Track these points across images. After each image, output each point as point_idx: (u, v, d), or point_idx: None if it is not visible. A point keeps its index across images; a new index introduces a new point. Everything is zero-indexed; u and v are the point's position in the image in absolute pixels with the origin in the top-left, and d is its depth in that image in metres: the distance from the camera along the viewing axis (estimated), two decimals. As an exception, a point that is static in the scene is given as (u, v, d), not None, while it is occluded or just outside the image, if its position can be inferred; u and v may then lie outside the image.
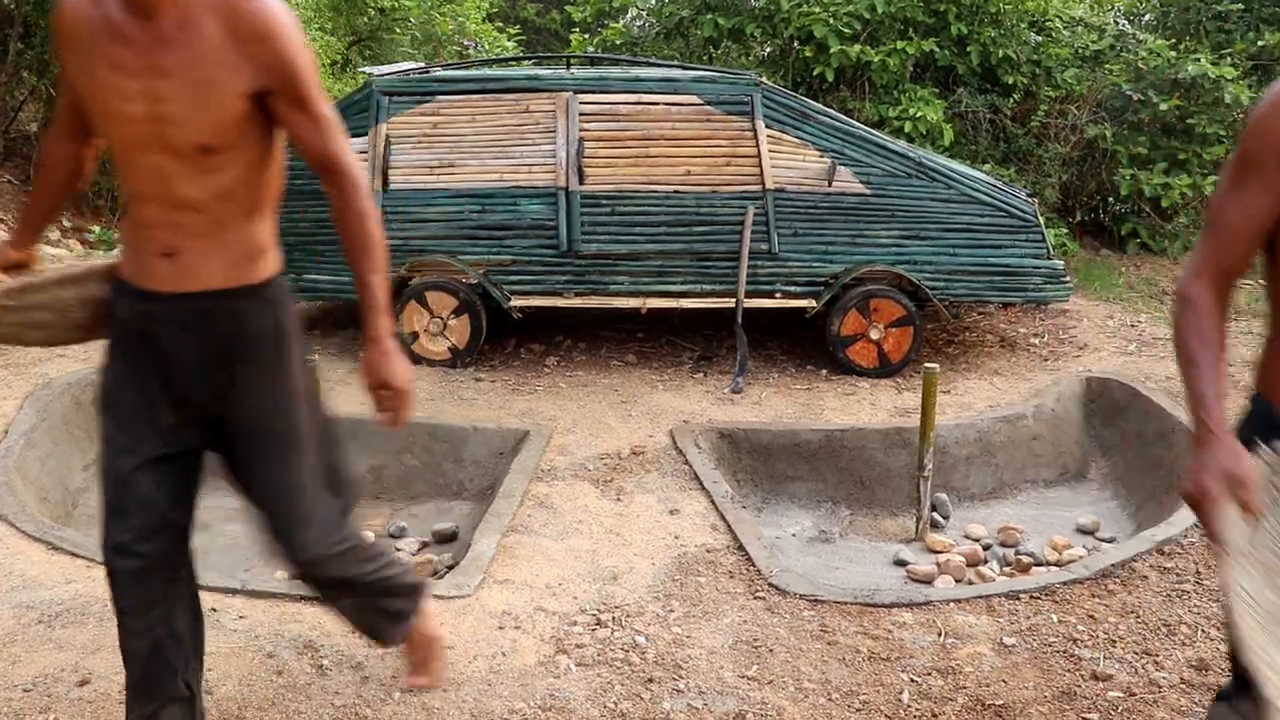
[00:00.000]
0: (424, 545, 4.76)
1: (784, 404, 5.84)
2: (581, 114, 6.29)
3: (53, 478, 4.92)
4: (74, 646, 3.33)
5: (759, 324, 6.77)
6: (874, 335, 6.31)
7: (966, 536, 4.95)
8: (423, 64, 7.32)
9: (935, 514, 5.11)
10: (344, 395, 5.83)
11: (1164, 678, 3.26)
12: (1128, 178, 9.18)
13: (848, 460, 5.35)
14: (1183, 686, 3.21)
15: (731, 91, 6.28)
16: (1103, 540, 4.92)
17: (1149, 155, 9.38)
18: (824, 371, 6.39)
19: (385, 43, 15.36)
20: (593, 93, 6.32)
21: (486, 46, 14.15)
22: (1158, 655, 3.38)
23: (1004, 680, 3.26)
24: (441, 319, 6.36)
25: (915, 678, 3.27)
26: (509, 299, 6.33)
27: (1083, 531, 5.05)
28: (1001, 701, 3.14)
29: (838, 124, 6.35)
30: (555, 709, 3.09)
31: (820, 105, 6.56)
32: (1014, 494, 5.47)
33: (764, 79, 6.48)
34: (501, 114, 6.34)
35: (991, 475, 5.48)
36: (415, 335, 6.38)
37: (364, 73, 6.96)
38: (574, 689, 3.19)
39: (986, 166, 8.91)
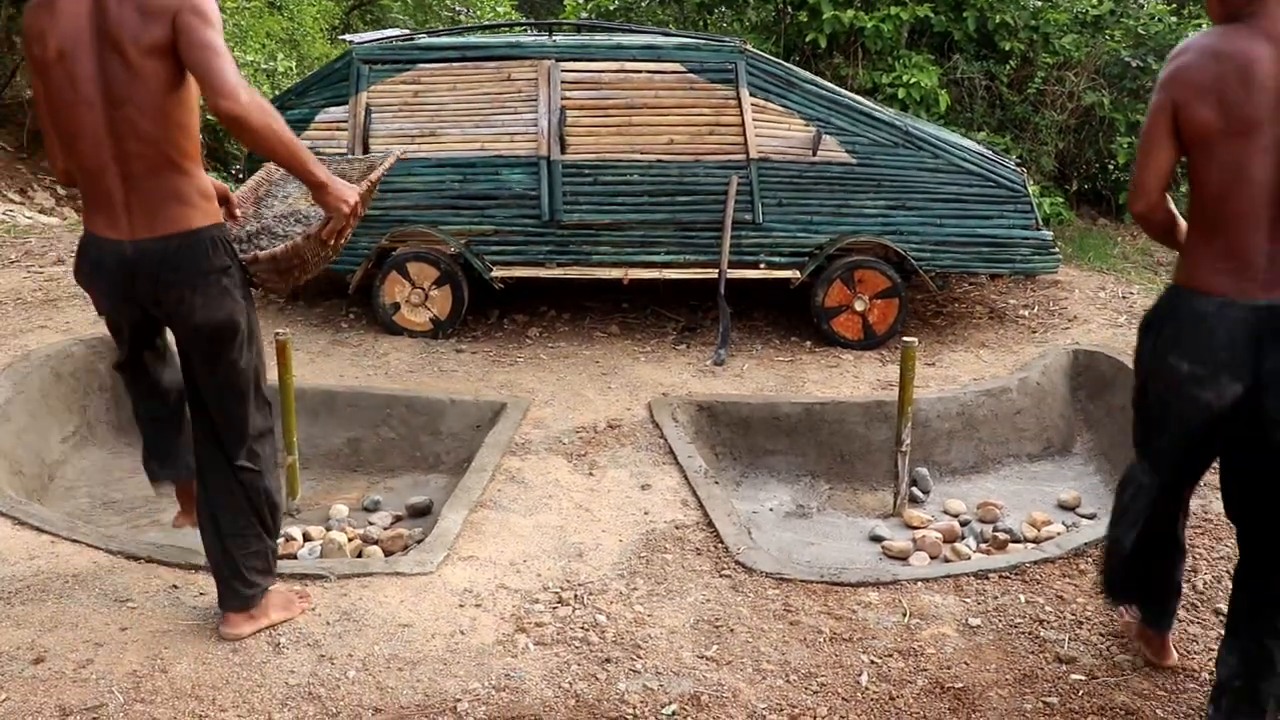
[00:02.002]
0: (397, 519, 4.73)
1: (766, 376, 5.79)
2: (564, 82, 6.21)
3: (29, 451, 4.89)
4: (31, 624, 3.31)
5: (744, 295, 6.71)
6: (859, 307, 6.25)
7: (945, 512, 4.91)
8: (405, 31, 7.23)
9: (915, 489, 5.07)
10: (324, 367, 5.81)
11: (1128, 661, 3.22)
12: (1126, 145, 9.07)
13: (828, 434, 5.30)
14: (1146, 669, 3.17)
15: (715, 59, 6.19)
16: (1084, 516, 4.88)
17: (1147, 123, 9.26)
18: (808, 343, 6.34)
19: (383, 7, 15.25)
20: (575, 60, 6.24)
21: (479, 12, 14.01)
22: (1123, 637, 3.33)
23: (965, 662, 3.23)
24: (423, 290, 6.31)
25: (876, 659, 3.24)
26: (490, 270, 6.28)
27: (1064, 507, 5.00)
28: (961, 684, 3.11)
29: (824, 92, 6.26)
30: (509, 689, 3.06)
31: (806, 73, 6.47)
32: (996, 469, 5.42)
33: (750, 45, 6.38)
34: (483, 82, 6.26)
35: (974, 449, 5.43)
36: (396, 306, 6.33)
37: (345, 41, 6.88)
38: (530, 669, 3.17)
39: (982, 134, 8.80)
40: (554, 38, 6.58)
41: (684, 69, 6.20)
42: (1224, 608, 3.47)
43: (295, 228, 3.42)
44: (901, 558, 4.43)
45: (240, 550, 3.24)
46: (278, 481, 3.42)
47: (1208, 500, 4.18)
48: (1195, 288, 2.70)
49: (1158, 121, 2.67)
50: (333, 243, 3.16)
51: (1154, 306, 2.87)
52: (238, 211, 3.36)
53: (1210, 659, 3.20)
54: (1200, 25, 9.14)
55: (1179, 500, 3.00)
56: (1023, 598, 3.60)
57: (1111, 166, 9.57)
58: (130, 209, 2.89)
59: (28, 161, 11.00)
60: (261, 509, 3.25)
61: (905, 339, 4.75)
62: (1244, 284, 2.61)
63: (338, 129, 6.30)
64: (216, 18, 2.78)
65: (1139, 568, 3.01)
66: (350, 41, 6.56)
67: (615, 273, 6.29)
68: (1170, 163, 2.70)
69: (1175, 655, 3.19)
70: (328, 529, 4.55)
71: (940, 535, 4.58)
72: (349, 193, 3.00)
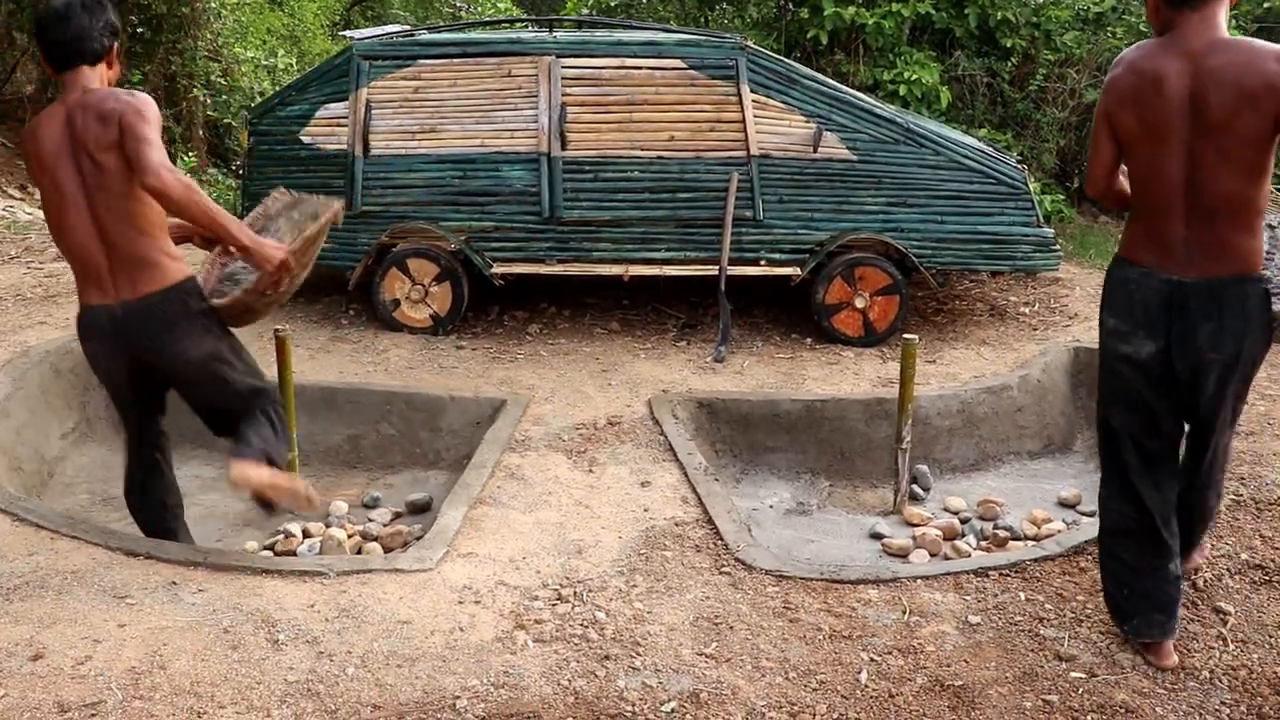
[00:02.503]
0: (397, 516, 4.73)
1: (766, 373, 5.78)
2: (564, 78, 6.20)
3: (28, 447, 4.89)
4: (30, 620, 3.30)
5: (744, 292, 6.71)
6: (859, 304, 6.24)
7: (945, 509, 4.91)
8: (405, 27, 7.22)
9: (916, 486, 5.06)
10: (324, 363, 5.80)
11: (1127, 659, 3.21)
12: (1127, 143, 9.04)
13: (828, 431, 5.30)
14: (1145, 667, 3.17)
15: (716, 55, 6.18)
16: (1084, 514, 4.87)
17: (1149, 120, 9.24)
18: (808, 340, 6.33)
19: (384, 3, 15.24)
20: (576, 57, 6.23)
21: (480, 8, 14.00)
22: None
23: (965, 660, 3.22)
24: (423, 286, 6.31)
25: (875, 657, 3.24)
26: (491, 266, 6.27)
27: (1064, 505, 5.00)
28: (961, 682, 3.10)
29: (824, 89, 6.25)
30: (508, 686, 3.06)
31: (807, 69, 6.46)
32: (997, 466, 5.41)
33: (751, 42, 6.37)
34: (483, 78, 6.25)
35: (974, 447, 5.42)
36: (396, 302, 6.33)
37: (345, 37, 6.87)
38: (529, 666, 3.16)
39: (983, 131, 8.79)
40: (555, 34, 6.58)
41: (685, 65, 6.19)
42: (1224, 605, 3.47)
43: (251, 276, 3.81)
44: (901, 555, 4.43)
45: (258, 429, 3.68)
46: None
47: (1208, 498, 4.18)
48: (1126, 258, 3.17)
49: (1100, 124, 3.14)
50: (272, 293, 3.68)
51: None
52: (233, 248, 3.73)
53: (1210, 657, 3.20)
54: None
55: (1151, 481, 3.22)
56: (1023, 595, 3.59)
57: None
58: (115, 276, 3.51)
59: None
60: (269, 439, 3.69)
61: (906, 336, 4.75)
62: (1164, 261, 3.06)
63: (338, 125, 6.29)
64: (153, 115, 3.40)
65: (1126, 575, 3.27)
66: (351, 37, 6.55)
67: (616, 269, 6.29)
68: (1112, 158, 3.14)
69: (1175, 657, 3.19)
70: (327, 525, 4.55)
71: (940, 533, 4.58)
72: (274, 253, 3.55)
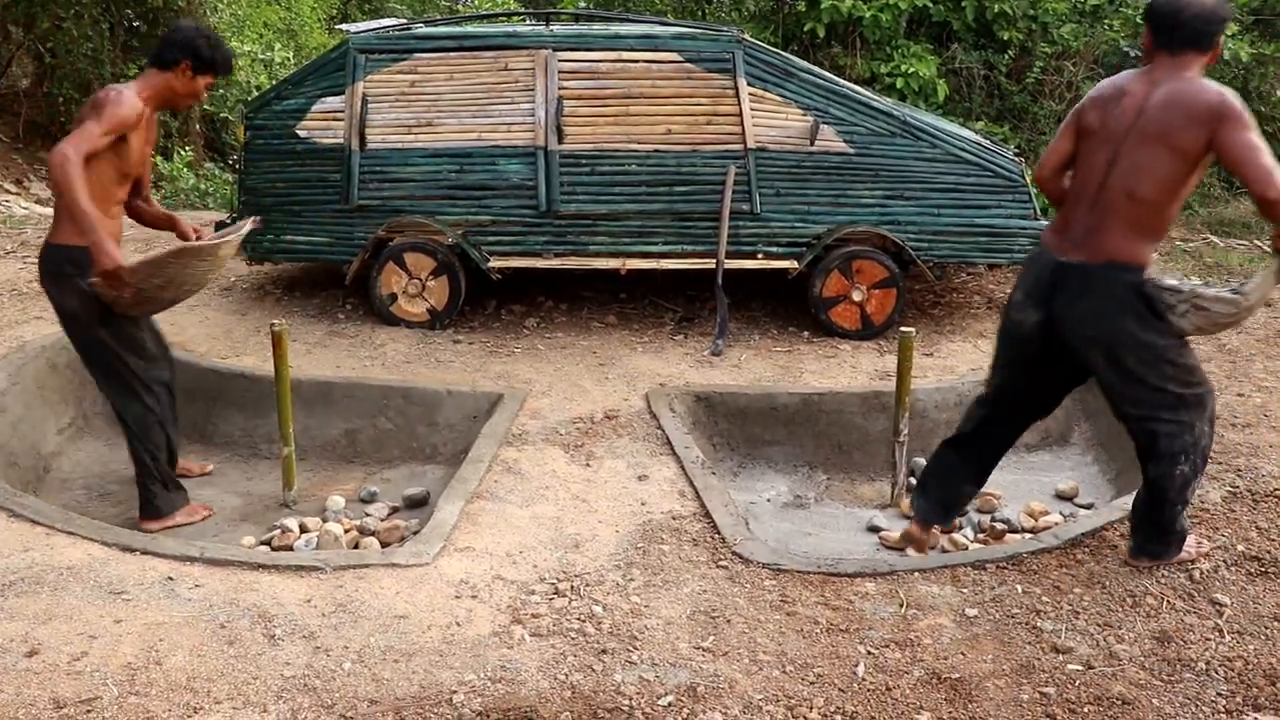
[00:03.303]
0: (394, 510, 4.72)
1: (763, 366, 5.78)
2: (561, 72, 6.18)
3: (24, 443, 4.89)
4: (25, 616, 3.30)
5: (742, 285, 6.70)
6: (857, 297, 6.24)
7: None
8: (401, 21, 7.20)
9: (913, 479, 5.05)
10: (320, 358, 5.80)
11: (1124, 650, 3.21)
12: (1124, 135, 9.03)
13: (825, 424, 5.29)
14: (1142, 659, 3.17)
15: (713, 49, 6.17)
16: (1081, 506, 4.87)
17: (1146, 112, 9.22)
18: (806, 334, 6.32)
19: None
20: (572, 50, 6.21)
21: (476, 1, 13.97)
22: (1120, 628, 3.33)
23: (962, 653, 3.22)
24: (420, 280, 6.30)
25: (873, 650, 3.24)
26: (487, 260, 6.26)
27: (1061, 497, 4.99)
28: (958, 675, 3.11)
29: (821, 82, 6.24)
30: (505, 680, 3.06)
31: (804, 62, 6.44)
32: (994, 458, 5.40)
33: (748, 35, 6.36)
34: (480, 72, 6.23)
35: (972, 439, 5.41)
36: (393, 297, 6.32)
37: (341, 30, 6.85)
38: (526, 660, 3.16)
39: (980, 124, 8.78)
40: (551, 27, 6.55)
41: (682, 58, 6.17)
42: (1220, 597, 3.47)
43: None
44: (899, 548, 4.42)
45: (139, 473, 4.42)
46: (154, 440, 4.40)
47: (1205, 490, 4.18)
48: (1043, 240, 3.67)
49: (1068, 120, 3.64)
50: (121, 295, 4.08)
51: None
52: (191, 233, 4.45)
53: (1207, 649, 3.20)
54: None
55: (1006, 427, 3.91)
56: (1019, 588, 3.59)
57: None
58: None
59: (24, 152, 10.99)
60: (139, 453, 4.38)
61: (903, 329, 4.74)
62: (1061, 243, 3.55)
63: (334, 119, 6.28)
64: (102, 104, 3.97)
65: (936, 468, 4.01)
66: (347, 31, 6.53)
67: (613, 263, 6.28)
68: (1066, 151, 3.62)
69: (936, 540, 4.23)
70: (324, 520, 4.55)
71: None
72: (105, 261, 3.91)
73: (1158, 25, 3.42)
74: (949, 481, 3.99)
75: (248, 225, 4.63)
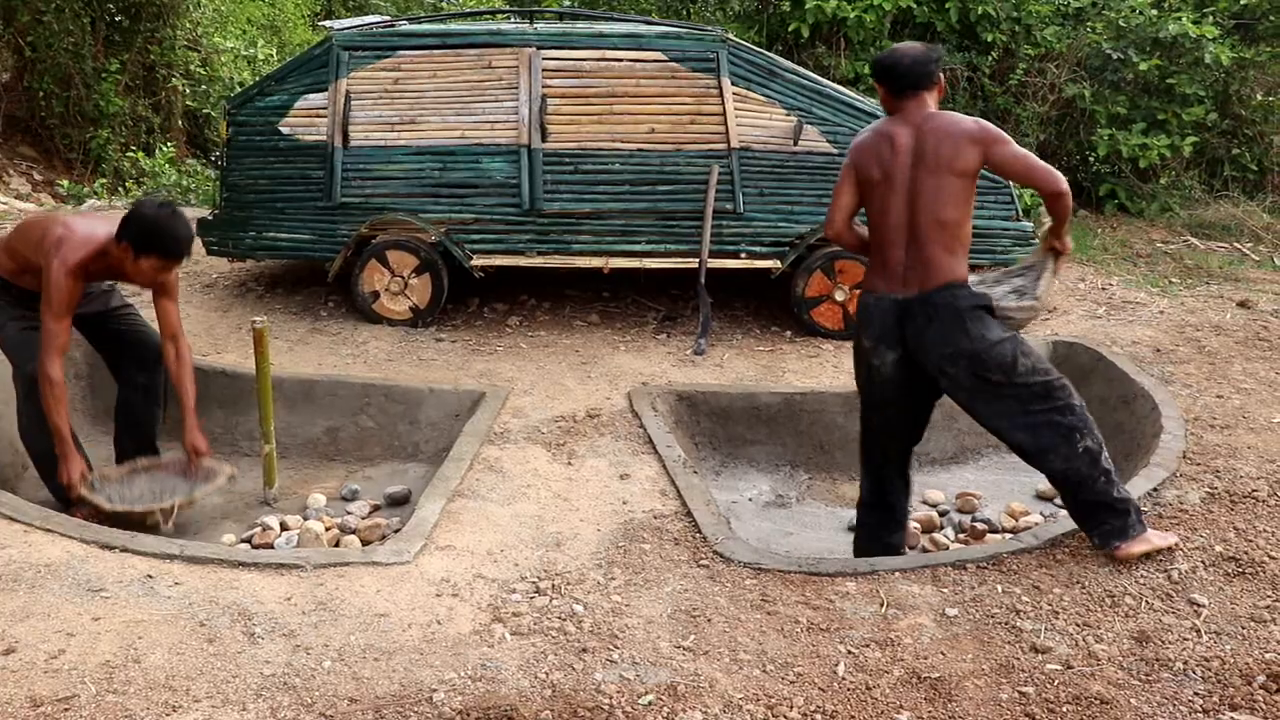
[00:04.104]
0: (375, 508, 4.71)
1: (746, 366, 5.78)
2: (545, 70, 6.18)
3: (2, 438, 4.86)
4: (2, 614, 3.27)
5: (725, 285, 6.71)
6: (839, 297, 6.25)
7: (924, 502, 4.92)
8: (385, 18, 7.18)
9: (895, 479, 5.07)
10: (302, 355, 5.78)
11: (1103, 650, 3.23)
12: (1106, 138, 9.09)
13: (807, 424, 5.31)
14: (1120, 659, 3.18)
15: (697, 48, 6.18)
16: (1061, 507, 4.88)
17: (1128, 115, 9.28)
18: (788, 333, 6.33)
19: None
20: (556, 48, 6.21)
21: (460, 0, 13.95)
22: (1098, 627, 3.34)
23: (942, 653, 3.23)
24: (402, 278, 6.28)
25: (853, 649, 3.24)
26: (470, 258, 6.25)
27: (1042, 498, 5.02)
28: (938, 674, 3.11)
29: (805, 82, 6.25)
30: (485, 679, 3.05)
31: (788, 63, 6.45)
32: (976, 459, 5.44)
33: (733, 35, 6.37)
34: (464, 70, 6.23)
35: (953, 440, 5.44)
36: (376, 295, 6.30)
37: (325, 27, 6.83)
38: (506, 659, 3.15)
39: (963, 125, 8.79)
40: (535, 25, 6.55)
41: (666, 58, 6.18)
42: (1198, 597, 3.49)
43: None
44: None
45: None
46: (36, 432, 4.47)
47: (1184, 491, 4.21)
48: (868, 288, 3.91)
49: (844, 175, 3.91)
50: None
51: None
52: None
53: (1184, 648, 3.22)
54: (1180, 18, 9.16)
55: (902, 464, 4.12)
56: (1000, 588, 3.60)
57: (1092, 158, 9.59)
58: None
59: (3, 147, 10.90)
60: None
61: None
62: (891, 284, 3.80)
63: (317, 115, 6.26)
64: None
65: (864, 542, 4.15)
66: (330, 28, 6.51)
67: (596, 262, 6.28)
68: (850, 204, 3.92)
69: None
70: (305, 518, 4.53)
71: (919, 525, 4.59)
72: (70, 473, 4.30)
73: (888, 79, 3.82)
74: (879, 543, 4.11)
75: (222, 478, 4.52)
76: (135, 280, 4.37)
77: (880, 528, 4.12)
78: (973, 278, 3.94)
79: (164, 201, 4.24)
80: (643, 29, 6.44)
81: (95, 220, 4.40)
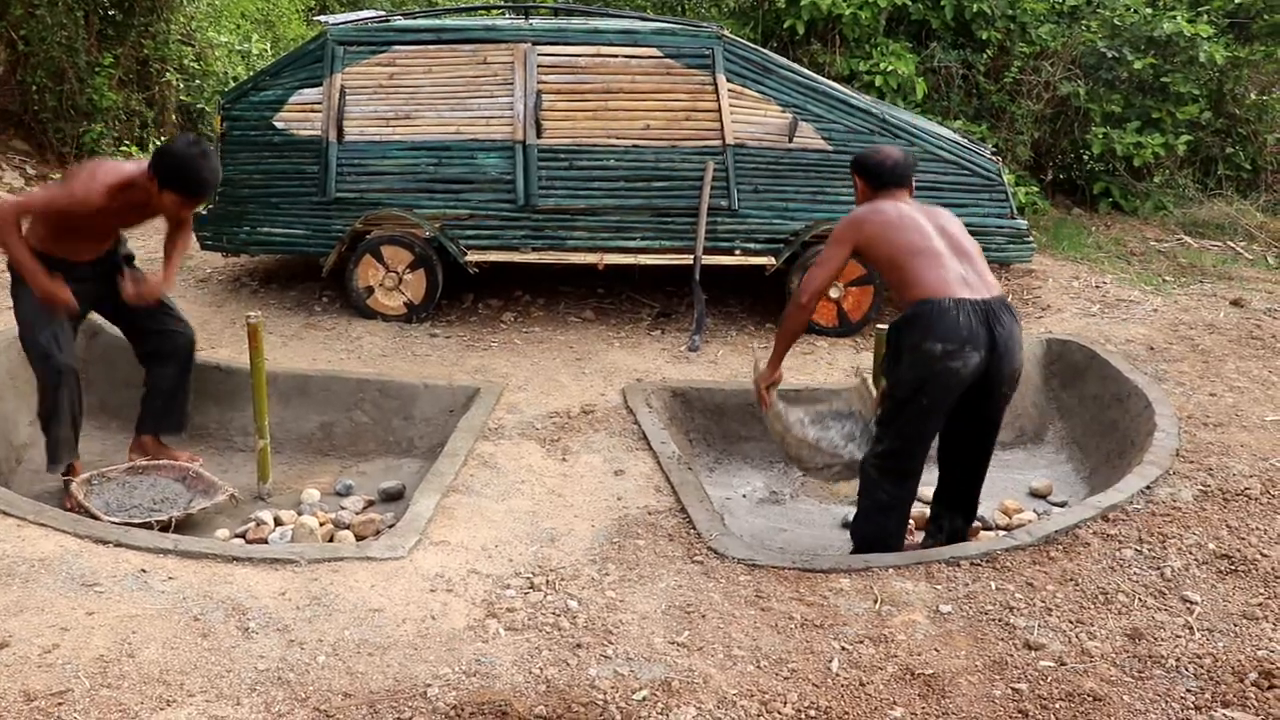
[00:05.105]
0: (370, 504, 4.71)
1: (741, 362, 5.79)
2: (540, 66, 6.17)
3: (-5, 434, 4.85)
4: (-5, 608, 3.27)
5: (720, 281, 6.71)
6: (834, 294, 6.26)
7: (918, 499, 4.91)
8: (380, 13, 7.17)
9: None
10: (297, 351, 5.77)
11: (1096, 647, 3.24)
12: (1100, 136, 9.10)
13: (802, 421, 5.30)
14: (1113, 656, 3.19)
15: (692, 44, 6.17)
16: (1054, 504, 4.90)
17: (1123, 113, 9.29)
18: (783, 330, 6.33)
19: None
20: (551, 44, 6.20)
21: (457, -6, 13.91)
22: (1092, 624, 3.36)
23: (936, 649, 3.24)
24: (397, 273, 6.28)
25: (847, 645, 3.25)
26: (465, 253, 6.25)
27: (1036, 495, 5.03)
28: (931, 671, 3.12)
29: (800, 79, 6.25)
30: (480, 674, 3.05)
31: (783, 59, 6.46)
32: (969, 456, 5.43)
33: (728, 31, 6.36)
34: (459, 65, 6.22)
35: (947, 437, 5.43)
36: (370, 290, 6.30)
37: (320, 22, 6.81)
38: (501, 654, 3.16)
39: (958, 123, 8.81)
40: (530, 21, 6.54)
41: (661, 54, 6.17)
42: (1191, 594, 3.50)
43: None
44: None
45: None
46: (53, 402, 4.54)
47: (1177, 488, 4.22)
48: (933, 294, 3.77)
49: (843, 247, 3.98)
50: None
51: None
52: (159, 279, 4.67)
53: (1177, 645, 3.23)
54: (1175, 17, 9.18)
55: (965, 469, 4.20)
56: (993, 584, 3.61)
57: (1086, 156, 9.61)
58: None
59: (-3, 140, 10.86)
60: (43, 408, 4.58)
61: (879, 326, 4.75)
62: (961, 288, 3.79)
63: (312, 110, 6.25)
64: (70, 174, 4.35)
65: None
66: (325, 23, 6.50)
67: (590, 258, 6.27)
68: (840, 272, 4.10)
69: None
70: (299, 513, 4.53)
71: (913, 522, 4.59)
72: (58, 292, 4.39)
73: (872, 176, 4.04)
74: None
75: (221, 497, 4.55)
76: (160, 212, 4.48)
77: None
78: (795, 410, 4.24)
79: (195, 140, 4.33)
80: (638, 25, 6.44)
81: (125, 162, 4.51)
